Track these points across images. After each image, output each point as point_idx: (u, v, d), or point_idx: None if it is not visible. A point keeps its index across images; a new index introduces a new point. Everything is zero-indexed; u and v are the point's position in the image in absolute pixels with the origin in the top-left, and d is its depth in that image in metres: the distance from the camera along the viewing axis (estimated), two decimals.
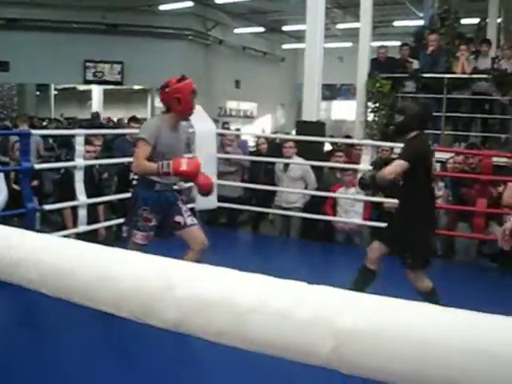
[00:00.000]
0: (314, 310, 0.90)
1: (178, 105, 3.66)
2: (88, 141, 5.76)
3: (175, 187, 4.04)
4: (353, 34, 13.09)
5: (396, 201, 4.19)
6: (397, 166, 3.58)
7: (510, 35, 8.98)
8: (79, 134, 5.63)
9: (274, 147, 7.78)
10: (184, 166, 3.55)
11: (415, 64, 8.61)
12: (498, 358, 0.77)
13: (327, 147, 10.58)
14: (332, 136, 15.15)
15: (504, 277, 5.57)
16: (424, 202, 3.79)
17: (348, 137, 10.25)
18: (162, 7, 16.23)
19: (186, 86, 3.69)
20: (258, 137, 7.66)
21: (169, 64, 14.91)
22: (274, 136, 10.65)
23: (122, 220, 5.37)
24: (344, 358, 0.87)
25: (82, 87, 20.97)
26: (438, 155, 6.96)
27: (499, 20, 10.50)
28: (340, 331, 0.86)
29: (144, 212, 3.68)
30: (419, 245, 3.73)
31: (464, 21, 11.90)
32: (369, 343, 0.85)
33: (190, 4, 15.83)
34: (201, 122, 6.60)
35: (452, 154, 6.47)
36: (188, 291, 0.99)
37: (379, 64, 8.67)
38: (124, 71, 16.91)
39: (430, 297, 3.56)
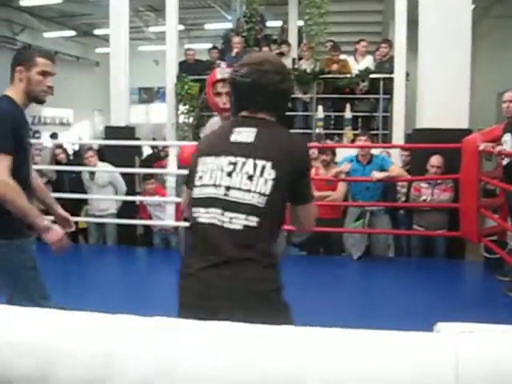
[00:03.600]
0: None
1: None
2: None
3: None
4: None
5: None
6: None
7: (311, 38, 9.51)
8: None
9: (79, 154, 7.53)
10: None
11: (223, 66, 8.81)
12: None
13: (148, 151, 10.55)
14: (154, 139, 15.12)
15: (311, 263, 5.97)
16: None
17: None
18: None
19: (207, 80, 3.06)
20: (56, 146, 7.32)
21: None
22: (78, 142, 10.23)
23: None
24: None
25: None
26: None
27: (299, 23, 11.09)
28: None
29: None
30: None
31: (272, 23, 12.50)
32: None
33: None
34: None
35: None
36: None
37: (188, 66, 8.78)
38: None
39: None
